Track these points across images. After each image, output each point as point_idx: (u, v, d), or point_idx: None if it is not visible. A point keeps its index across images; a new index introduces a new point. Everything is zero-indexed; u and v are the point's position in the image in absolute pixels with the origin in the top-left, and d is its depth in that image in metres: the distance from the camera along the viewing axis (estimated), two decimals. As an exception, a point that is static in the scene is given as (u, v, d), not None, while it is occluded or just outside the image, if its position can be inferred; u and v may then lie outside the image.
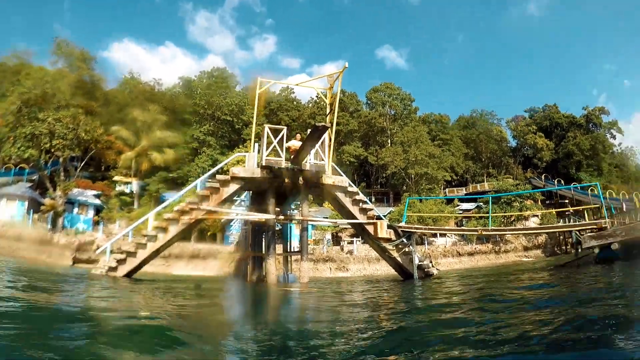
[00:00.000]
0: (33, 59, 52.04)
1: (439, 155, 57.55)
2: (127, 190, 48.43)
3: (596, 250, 14.82)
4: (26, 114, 41.73)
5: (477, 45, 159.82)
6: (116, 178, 49.70)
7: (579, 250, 21.04)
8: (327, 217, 34.20)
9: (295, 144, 15.82)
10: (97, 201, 43.32)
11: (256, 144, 16.35)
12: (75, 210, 41.43)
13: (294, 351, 4.56)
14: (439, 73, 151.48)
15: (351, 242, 36.62)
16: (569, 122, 72.23)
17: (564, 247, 41.14)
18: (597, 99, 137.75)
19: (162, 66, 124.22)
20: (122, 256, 14.72)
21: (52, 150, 43.00)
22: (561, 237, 41.66)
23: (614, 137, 73.38)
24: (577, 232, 15.34)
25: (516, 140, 74.23)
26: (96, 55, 64.55)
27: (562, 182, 52.60)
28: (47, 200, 39.59)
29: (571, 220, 35.94)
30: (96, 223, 39.74)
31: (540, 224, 40.24)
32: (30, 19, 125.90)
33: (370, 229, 16.79)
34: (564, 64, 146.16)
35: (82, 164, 48.12)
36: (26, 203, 40.05)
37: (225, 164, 18.24)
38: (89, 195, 43.25)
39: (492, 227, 19.46)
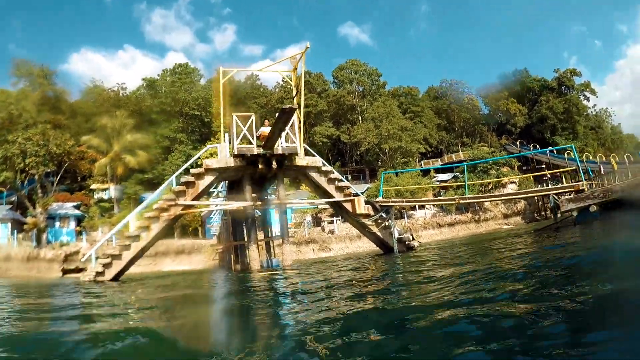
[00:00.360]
0: None
1: (412, 128, 57.79)
2: (106, 197, 48.33)
3: (574, 213, 14.89)
4: (-5, 139, 41.40)
5: (441, 14, 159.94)
6: (93, 186, 49.48)
7: (558, 214, 21.34)
8: (304, 199, 34.56)
9: (266, 130, 15.97)
10: (77, 212, 43.15)
11: (226, 134, 16.47)
12: (57, 224, 41.25)
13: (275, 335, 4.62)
14: (405, 46, 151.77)
15: (331, 222, 36.95)
16: (541, 86, 72.30)
17: (543, 213, 41.53)
18: (569, 62, 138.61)
19: (124, 70, 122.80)
20: (108, 260, 14.77)
21: (27, 169, 42.60)
22: (540, 203, 42.26)
23: (587, 99, 73.62)
24: (555, 196, 15.29)
25: (488, 108, 74.44)
26: (56, 69, 63.74)
27: (538, 147, 52.85)
28: (28, 219, 39.49)
29: (549, 184, 36.55)
30: (79, 233, 39.62)
31: (518, 190, 40.82)
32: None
33: (348, 206, 17.03)
34: (533, 27, 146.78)
35: (58, 177, 47.62)
36: (9, 225, 40.09)
37: (198, 157, 18.31)
38: (68, 208, 43.04)
39: (470, 195, 19.70)
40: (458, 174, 49.06)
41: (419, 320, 4.17)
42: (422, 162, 61.60)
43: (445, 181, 48.49)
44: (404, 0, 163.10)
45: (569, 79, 71.82)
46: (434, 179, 50.41)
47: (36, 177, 43.78)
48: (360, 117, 63.60)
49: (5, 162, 41.76)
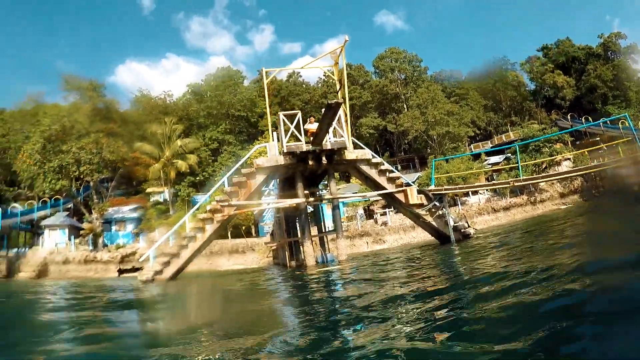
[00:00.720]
0: (46, 99, 54.23)
1: (458, 112, 56.50)
2: (161, 200, 49.75)
3: (636, 188, 14.05)
4: (50, 149, 43.48)
5: None
6: (149, 190, 51.09)
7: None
8: (356, 192, 34.38)
9: (311, 127, 16.01)
10: (134, 214, 44.54)
11: (274, 133, 16.56)
12: (114, 227, 42.80)
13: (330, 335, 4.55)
14: (441, 28, 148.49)
15: (384, 214, 36.58)
16: (587, 54, 68.82)
17: (601, 189, 39.86)
18: (611, 25, 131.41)
19: (169, 78, 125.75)
20: (167, 259, 15.18)
21: (82, 176, 44.63)
22: (597, 179, 40.54)
23: (636, 62, 68.63)
24: (613, 170, 14.47)
25: (534, 83, 71.32)
26: (104, 82, 66.19)
27: (590, 119, 50.67)
28: (85, 224, 41.28)
29: (605, 159, 34.86)
30: (137, 235, 40.88)
31: (573, 167, 39.23)
32: (32, 61, 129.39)
33: (400, 197, 16.84)
34: None
35: (113, 183, 49.66)
36: (67, 230, 42.33)
37: (248, 157, 18.51)
38: (125, 211, 44.61)
39: (523, 177, 19.06)
40: (510, 155, 47.77)
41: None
42: (472, 145, 60.34)
43: (497, 164, 47.39)
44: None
45: (615, 44, 67.94)
46: (485, 162, 49.30)
47: (91, 183, 45.77)
48: (405, 105, 62.82)
49: (60, 171, 43.94)
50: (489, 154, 52.67)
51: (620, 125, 40.58)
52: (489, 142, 61.36)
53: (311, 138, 15.66)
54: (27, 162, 46.34)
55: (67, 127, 44.94)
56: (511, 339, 3.26)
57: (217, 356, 3.83)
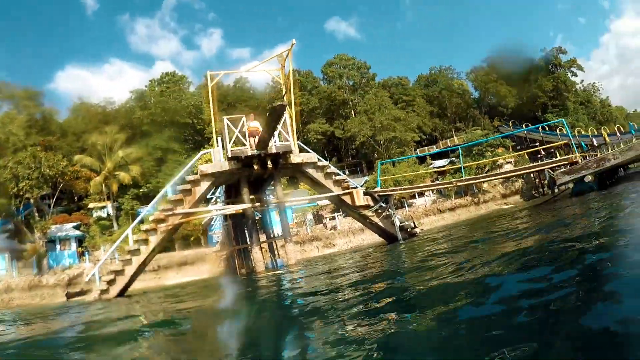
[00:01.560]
0: None
1: (405, 118, 57.47)
2: (104, 215, 48.05)
3: (571, 185, 14.94)
4: (-16, 164, 41.16)
5: (425, 2, 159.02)
6: (91, 205, 49.26)
7: (555, 188, 21.29)
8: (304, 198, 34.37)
9: (252, 125, 15.80)
10: (78, 232, 42.82)
11: (219, 139, 16.31)
12: (58, 247, 40.86)
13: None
14: (392, 37, 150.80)
15: (333, 218, 36.81)
16: (530, 66, 71.49)
17: (541, 190, 41.27)
18: (554, 40, 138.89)
19: (112, 83, 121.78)
20: (111, 276, 14.67)
21: (21, 193, 42.44)
22: (537, 180, 42.19)
23: (575, 75, 73.51)
24: (550, 170, 15.42)
25: (478, 91, 74.32)
26: (42, 90, 63.64)
27: (530, 125, 53.00)
28: (27, 246, 39.08)
29: (544, 161, 36.34)
30: (81, 254, 39.29)
31: (513, 169, 40.73)
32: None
33: (347, 199, 16.89)
34: (517, 7, 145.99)
35: (54, 199, 47.50)
36: (7, 255, 39.63)
37: (192, 165, 18.13)
38: (68, 229, 42.73)
39: (466, 177, 19.61)
40: (454, 159, 48.98)
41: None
42: (418, 150, 61.39)
43: (442, 167, 48.45)
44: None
45: (556, 57, 72.07)
46: (431, 166, 50.35)
47: (32, 200, 43.63)
48: (352, 111, 63.52)
49: (-2, 189, 41.71)
50: (434, 157, 53.78)
51: (558, 132, 42.40)
52: (435, 147, 62.75)
53: (249, 136, 15.45)
54: (-44, 179, 43.95)
55: (1, 140, 42.89)
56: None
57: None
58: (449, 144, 59.00)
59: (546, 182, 35.19)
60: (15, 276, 35.94)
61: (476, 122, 69.34)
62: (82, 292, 29.57)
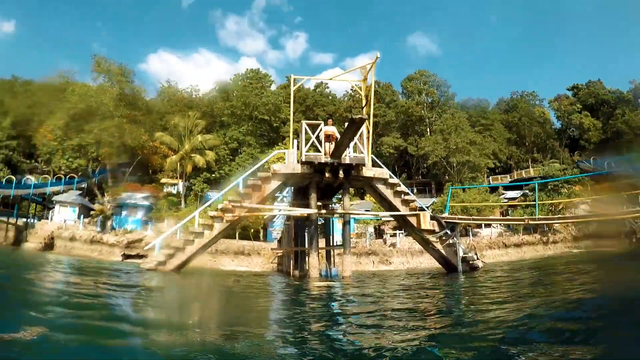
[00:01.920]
0: (76, 77, 55.25)
1: (481, 142, 55.79)
2: (174, 191, 50.05)
3: None
4: (73, 127, 44.15)
5: (511, 25, 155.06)
6: (163, 180, 51.51)
7: (634, 239, 19.64)
8: (369, 210, 34.06)
9: (328, 129, 15.90)
10: (146, 202, 44.78)
11: (295, 141, 16.51)
12: (124, 212, 42.97)
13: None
14: (474, 56, 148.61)
15: (394, 235, 36.23)
16: (616, 98, 67.08)
17: (623, 238, 38.72)
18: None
19: (198, 72, 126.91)
20: (171, 251, 15.16)
21: (100, 158, 45.19)
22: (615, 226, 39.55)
23: None
24: (632, 220, 14.17)
25: (560, 122, 70.51)
26: (134, 69, 67.54)
27: (613, 165, 49.77)
28: (96, 206, 41.75)
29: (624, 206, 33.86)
30: (145, 223, 41.06)
31: (590, 212, 38.34)
32: (70, 39, 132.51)
33: (412, 220, 16.65)
34: (606, 35, 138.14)
35: (130, 169, 50.15)
36: (77, 209, 42.83)
37: (266, 161, 18.45)
38: (137, 198, 44.82)
39: (540, 216, 18.73)
40: (527, 191, 47.15)
41: None
42: (490, 177, 59.77)
43: (514, 199, 46.81)
44: (474, 10, 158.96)
45: None
46: (502, 196, 48.76)
47: (108, 166, 46.41)
48: (428, 129, 62.53)
49: (79, 150, 44.64)
50: (507, 187, 52.06)
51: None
52: (508, 176, 60.71)
53: (324, 140, 15.57)
54: (47, 136, 47.27)
55: (92, 108, 45.69)
56: None
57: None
58: (524, 175, 57.10)
59: (626, 231, 33.14)
60: (80, 229, 38.39)
61: (555, 155, 66.47)
62: (139, 257, 31.03)
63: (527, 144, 67.85)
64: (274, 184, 15.65)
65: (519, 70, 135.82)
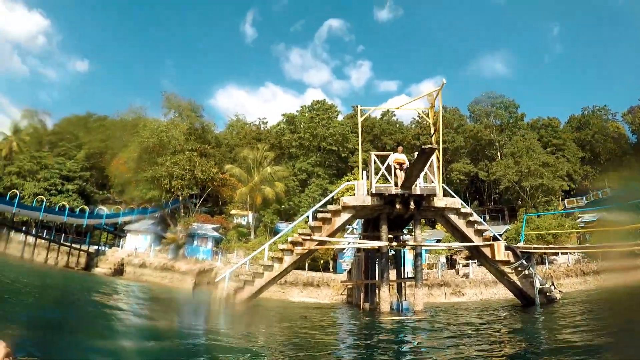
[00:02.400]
0: (147, 113, 58.59)
1: (554, 163, 53.85)
2: (244, 223, 51.12)
3: None
4: (146, 160, 46.54)
5: (574, 34, 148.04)
6: (233, 212, 52.79)
7: None
8: (440, 240, 33.34)
9: (399, 157, 15.77)
10: (216, 233, 46.04)
11: (364, 172, 16.47)
12: (195, 242, 44.33)
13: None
14: (540, 73, 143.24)
15: (466, 265, 35.17)
16: None
17: None
18: None
19: (265, 105, 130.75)
20: (240, 284, 15.36)
21: (172, 190, 47.17)
22: None
23: None
24: None
25: (636, 135, 66.33)
26: (203, 104, 70.30)
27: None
28: (168, 234, 43.46)
29: None
30: (215, 253, 42.08)
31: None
32: (140, 77, 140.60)
33: (486, 251, 16.11)
34: None
35: (201, 200, 51.93)
36: (149, 237, 45.01)
37: (335, 193, 18.51)
38: (207, 229, 46.13)
39: (623, 243, 17.54)
40: (606, 214, 44.74)
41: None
42: (566, 200, 57.10)
43: (591, 222, 44.46)
44: (535, 23, 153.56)
45: None
46: (579, 220, 46.43)
47: (180, 198, 48.31)
48: (498, 153, 61.12)
49: (153, 182, 46.84)
50: (584, 211, 49.63)
51: None
52: (584, 197, 57.73)
53: (397, 171, 15.43)
54: (121, 168, 49.95)
55: (164, 142, 47.92)
56: None
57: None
58: (601, 196, 54.13)
59: None
60: (151, 256, 39.96)
61: (633, 172, 62.44)
62: (208, 286, 31.66)
63: (601, 162, 64.40)
64: (344, 216, 15.62)
65: (588, 84, 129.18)
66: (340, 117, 67.28)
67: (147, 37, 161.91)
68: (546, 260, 36.37)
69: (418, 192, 15.01)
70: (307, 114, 63.60)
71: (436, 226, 38.12)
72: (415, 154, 13.33)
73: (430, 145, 12.54)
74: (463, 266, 35.55)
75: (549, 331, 10.24)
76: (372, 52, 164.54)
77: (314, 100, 67.38)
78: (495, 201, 61.84)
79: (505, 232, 39.14)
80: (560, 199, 55.58)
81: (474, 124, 65.04)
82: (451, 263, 37.99)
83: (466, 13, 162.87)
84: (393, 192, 14.94)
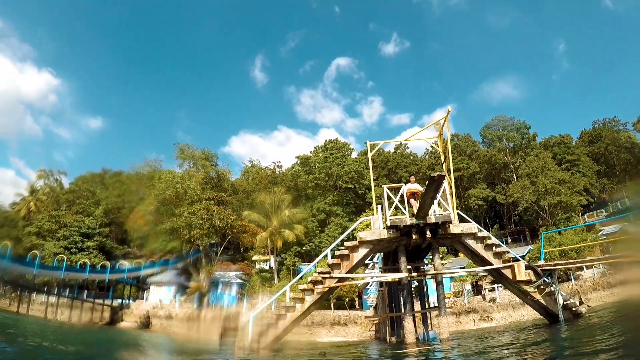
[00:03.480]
0: (162, 165, 59.66)
1: (570, 180, 53.59)
2: (266, 267, 51.29)
3: None
4: (163, 212, 47.23)
5: (580, 49, 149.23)
6: (255, 257, 53.08)
7: None
8: (463, 267, 33.22)
9: (412, 187, 16.04)
10: (239, 280, 46.13)
11: (379, 206, 16.74)
12: (219, 289, 44.56)
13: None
14: (550, 91, 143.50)
15: (493, 289, 34.82)
16: None
17: None
18: None
19: (280, 149, 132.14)
20: (264, 327, 15.47)
21: (192, 240, 47.68)
22: None
23: None
24: None
25: None
26: (217, 152, 71.50)
27: None
28: (192, 284, 43.77)
29: None
30: (240, 299, 42.19)
31: None
32: (155, 131, 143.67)
33: (507, 272, 16.13)
34: None
35: (222, 248, 52.33)
36: (173, 288, 45.34)
37: (352, 230, 18.80)
38: (231, 276, 46.50)
39: (643, 251, 17.46)
40: (626, 224, 44.28)
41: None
42: (586, 215, 56.58)
43: (613, 234, 43.94)
44: (540, 42, 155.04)
45: None
46: (601, 232, 45.93)
47: (201, 247, 48.74)
48: (514, 175, 61.29)
49: (172, 233, 47.39)
50: (604, 223, 49.09)
51: None
52: (604, 210, 57.13)
53: (412, 201, 15.69)
54: (139, 222, 50.67)
55: (180, 192, 48.66)
56: None
57: None
58: (620, 207, 53.57)
59: None
60: (177, 307, 40.04)
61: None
62: (235, 330, 31.66)
63: (617, 173, 64.15)
64: (362, 251, 15.85)
65: (597, 97, 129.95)
66: (354, 155, 68.08)
67: (159, 90, 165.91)
68: (572, 277, 35.98)
69: (433, 220, 15.15)
70: (320, 154, 64.49)
71: (459, 254, 37.95)
72: (427, 184, 13.63)
73: (439, 173, 12.85)
74: (489, 291, 35.14)
75: (571, 345, 10.26)
76: (382, 87, 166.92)
77: (326, 140, 68.41)
78: (515, 223, 61.53)
79: (528, 252, 38.88)
80: (580, 214, 55.25)
81: (487, 148, 65.50)
82: (477, 289, 37.65)
83: (471, 39, 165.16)
84: (408, 223, 15.12)
